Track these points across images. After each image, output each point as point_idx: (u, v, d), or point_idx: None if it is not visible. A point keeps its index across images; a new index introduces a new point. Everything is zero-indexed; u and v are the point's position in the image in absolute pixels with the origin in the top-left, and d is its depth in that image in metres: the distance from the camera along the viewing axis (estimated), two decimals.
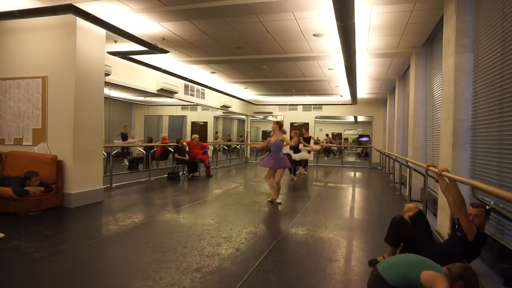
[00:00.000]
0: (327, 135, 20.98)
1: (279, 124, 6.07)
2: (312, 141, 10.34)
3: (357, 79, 8.54)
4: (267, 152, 7.12)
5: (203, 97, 11.81)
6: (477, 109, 3.60)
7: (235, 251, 3.35)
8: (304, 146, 10.02)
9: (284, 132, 6.07)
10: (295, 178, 9.38)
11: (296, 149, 9.77)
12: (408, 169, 6.03)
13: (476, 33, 3.67)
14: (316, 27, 5.69)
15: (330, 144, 19.55)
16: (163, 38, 6.45)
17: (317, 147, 11.89)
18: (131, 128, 12.20)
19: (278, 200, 5.82)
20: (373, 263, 3.00)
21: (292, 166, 9.90)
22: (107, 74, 6.79)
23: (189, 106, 12.78)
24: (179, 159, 9.02)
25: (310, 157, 10.05)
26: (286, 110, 16.15)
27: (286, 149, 10.22)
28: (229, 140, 16.37)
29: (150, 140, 10.44)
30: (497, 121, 3.12)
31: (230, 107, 13.93)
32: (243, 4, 4.61)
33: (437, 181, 3.54)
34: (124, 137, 10.15)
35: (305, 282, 2.72)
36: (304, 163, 10.67)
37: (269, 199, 5.95)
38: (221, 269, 2.88)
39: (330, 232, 4.10)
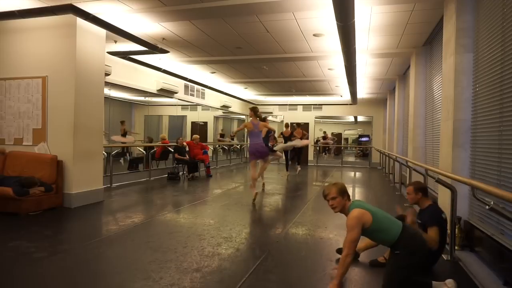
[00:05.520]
0: (324, 132, 20.94)
1: (254, 110, 6.24)
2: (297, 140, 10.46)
3: (357, 79, 8.53)
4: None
5: (203, 97, 11.81)
6: (477, 109, 3.60)
7: (235, 251, 3.35)
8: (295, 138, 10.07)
9: (260, 117, 6.27)
10: (288, 174, 9.40)
11: (286, 141, 9.84)
12: (408, 169, 6.03)
13: (476, 33, 3.67)
14: (316, 27, 5.69)
15: (325, 142, 19.44)
16: (163, 38, 6.45)
17: (307, 141, 11.83)
18: (131, 127, 12.18)
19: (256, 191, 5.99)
20: (373, 263, 3.00)
21: (286, 161, 10.00)
22: (107, 74, 6.79)
23: (189, 106, 12.78)
24: (179, 159, 9.02)
25: (300, 144, 10.10)
26: (286, 110, 16.15)
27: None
28: (232, 138, 16.40)
29: (151, 140, 10.43)
30: (497, 121, 3.12)
31: (230, 107, 13.94)
32: (243, 4, 4.61)
33: (437, 181, 3.55)
34: (125, 134, 10.13)
35: (305, 282, 2.72)
36: (298, 157, 10.66)
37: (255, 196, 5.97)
38: (221, 269, 2.88)
39: (330, 232, 4.09)
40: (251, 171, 6.25)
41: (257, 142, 6.13)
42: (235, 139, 16.85)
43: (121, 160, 9.90)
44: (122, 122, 10.29)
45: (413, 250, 2.36)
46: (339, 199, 2.50)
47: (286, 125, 10.47)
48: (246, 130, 6.30)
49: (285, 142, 9.72)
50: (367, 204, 2.60)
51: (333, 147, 20.14)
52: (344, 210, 2.53)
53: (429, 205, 3.09)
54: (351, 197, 2.67)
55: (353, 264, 3.10)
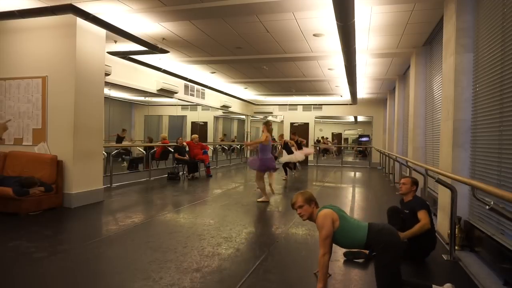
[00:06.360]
0: (322, 137, 21.19)
1: (267, 124, 6.20)
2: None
3: (357, 79, 8.54)
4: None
5: (203, 97, 11.81)
6: (477, 109, 3.60)
7: (235, 251, 3.35)
8: (298, 149, 10.05)
9: (270, 131, 6.19)
10: (283, 178, 9.34)
11: (288, 151, 9.77)
12: (408, 169, 6.03)
13: (476, 33, 3.67)
14: (316, 27, 5.69)
15: (326, 145, 19.68)
16: (163, 38, 6.45)
17: (311, 150, 11.93)
18: (131, 128, 12.18)
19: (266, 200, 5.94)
20: None
21: (287, 166, 9.93)
22: (107, 74, 6.79)
23: (189, 106, 12.79)
24: (179, 159, 9.02)
25: (303, 157, 10.12)
26: (286, 110, 16.15)
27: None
28: (233, 141, 16.45)
29: (151, 141, 10.43)
30: (497, 121, 3.12)
31: (230, 107, 13.94)
32: (243, 4, 4.61)
33: (437, 181, 3.55)
34: (119, 140, 10.08)
35: (305, 282, 2.72)
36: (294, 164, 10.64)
37: (261, 200, 5.93)
38: (221, 269, 2.88)
39: None
40: (260, 181, 6.01)
41: (269, 157, 6.08)
42: (235, 140, 16.86)
43: (124, 159, 9.89)
44: (123, 131, 10.31)
45: (385, 246, 2.35)
46: (306, 207, 2.51)
47: (282, 136, 10.35)
48: (262, 143, 6.09)
49: (288, 152, 9.66)
50: (334, 206, 2.60)
51: (334, 149, 20.31)
52: (312, 217, 2.54)
53: (414, 196, 3.35)
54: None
55: (355, 265, 3.11)
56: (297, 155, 9.78)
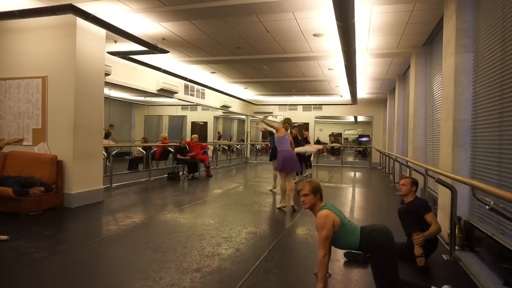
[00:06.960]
0: (330, 135, 21.20)
1: (283, 122, 6.10)
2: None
3: (357, 79, 8.54)
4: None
5: (203, 97, 11.81)
6: (477, 109, 3.60)
7: (235, 251, 3.35)
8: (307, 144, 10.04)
9: (286, 128, 5.98)
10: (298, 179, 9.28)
11: (298, 144, 9.72)
12: (408, 169, 6.03)
13: (476, 33, 3.67)
14: (316, 27, 5.69)
15: (336, 144, 19.74)
16: (163, 38, 6.45)
17: (320, 146, 11.97)
18: (131, 128, 12.17)
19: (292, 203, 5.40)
20: None
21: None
22: (107, 74, 6.78)
23: (189, 106, 12.79)
24: (180, 159, 9.02)
25: (313, 150, 10.06)
26: (286, 110, 16.15)
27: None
28: (230, 140, 16.47)
29: (146, 141, 10.31)
30: (497, 121, 3.12)
31: (230, 107, 13.94)
32: (243, 4, 4.61)
33: (437, 181, 3.55)
34: (106, 136, 9.95)
35: (305, 282, 2.72)
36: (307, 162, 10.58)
37: (282, 206, 5.42)
38: (221, 269, 2.88)
39: None
40: (281, 181, 5.46)
41: (288, 149, 5.50)
42: (233, 138, 16.87)
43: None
44: (111, 126, 10.12)
45: (377, 247, 2.35)
46: (311, 197, 2.53)
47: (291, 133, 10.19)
48: (275, 135, 5.73)
49: (297, 145, 9.61)
50: (337, 208, 2.60)
51: (341, 148, 20.45)
52: (314, 209, 2.55)
53: (415, 197, 3.29)
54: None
55: (355, 265, 3.11)
56: (307, 148, 9.68)
